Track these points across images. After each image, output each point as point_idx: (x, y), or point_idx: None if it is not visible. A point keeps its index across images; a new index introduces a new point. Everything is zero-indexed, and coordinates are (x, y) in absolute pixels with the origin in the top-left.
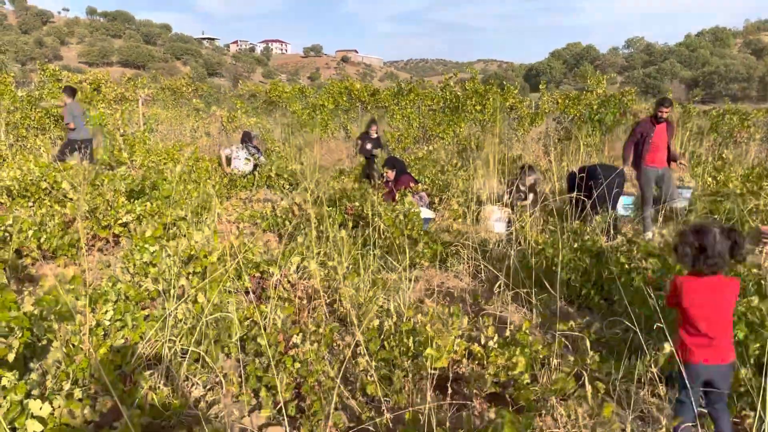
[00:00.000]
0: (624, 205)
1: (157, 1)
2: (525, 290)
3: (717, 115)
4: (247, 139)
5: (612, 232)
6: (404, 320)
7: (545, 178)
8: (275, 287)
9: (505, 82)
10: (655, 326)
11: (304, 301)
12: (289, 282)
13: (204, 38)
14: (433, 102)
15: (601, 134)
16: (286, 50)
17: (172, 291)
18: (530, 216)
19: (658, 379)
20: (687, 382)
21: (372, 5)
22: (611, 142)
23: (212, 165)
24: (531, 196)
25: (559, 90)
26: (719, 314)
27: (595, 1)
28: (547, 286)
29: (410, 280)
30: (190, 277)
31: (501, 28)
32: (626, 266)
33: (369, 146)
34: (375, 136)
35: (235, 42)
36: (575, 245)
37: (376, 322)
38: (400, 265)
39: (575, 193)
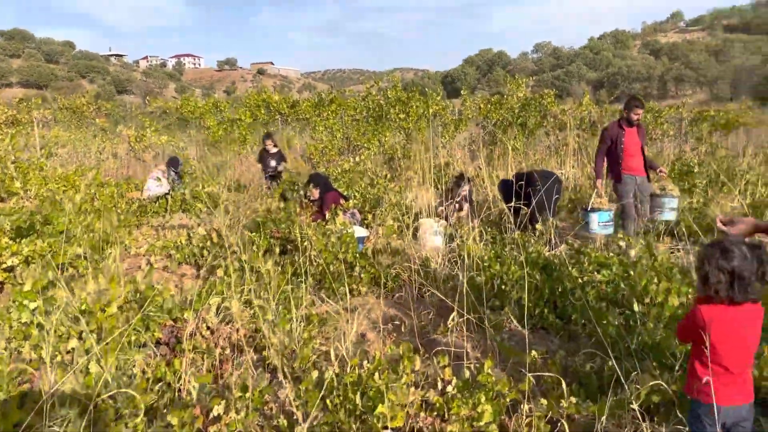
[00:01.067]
0: (600, 222)
1: (59, 18)
2: (476, 315)
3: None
4: (173, 164)
5: (554, 241)
6: (348, 370)
7: (478, 184)
8: (191, 336)
9: (427, 89)
10: (627, 348)
11: (227, 351)
12: (208, 328)
13: (111, 54)
14: (356, 112)
15: (524, 137)
16: (200, 64)
17: (59, 358)
18: (469, 228)
19: (641, 417)
20: (707, 427)
21: (286, 16)
22: (534, 146)
23: (119, 190)
24: (466, 206)
25: (473, 95)
26: (747, 348)
27: (503, 8)
28: (503, 307)
29: (349, 310)
30: (85, 335)
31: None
32: (579, 280)
33: (273, 163)
34: (274, 150)
35: (145, 58)
36: (521, 258)
37: (315, 374)
38: (337, 294)
39: (513, 201)
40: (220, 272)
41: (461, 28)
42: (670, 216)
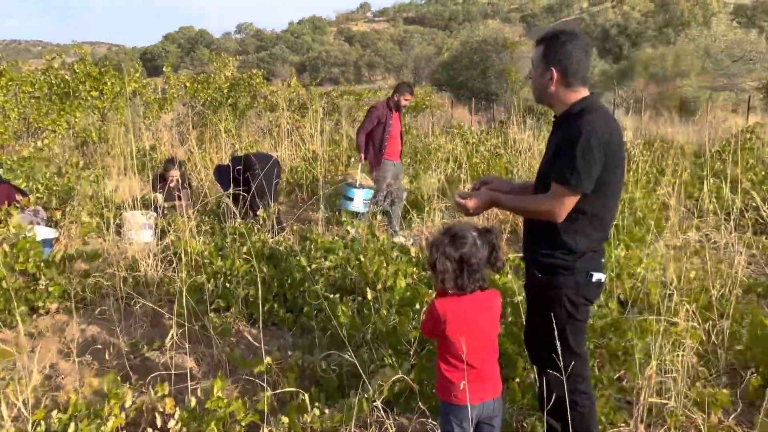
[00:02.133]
0: (365, 200)
1: None
2: (199, 323)
3: (336, 96)
4: None
5: (276, 228)
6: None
7: (190, 169)
8: None
9: (123, 65)
10: (362, 338)
11: None
12: None
13: None
14: (35, 88)
15: (235, 118)
16: None
17: None
18: (185, 220)
19: (384, 413)
20: (455, 427)
21: None
22: (247, 127)
23: None
24: (184, 193)
25: (177, 74)
26: (487, 340)
27: None
28: (229, 308)
29: (33, 337)
30: None
31: (109, 9)
32: (307, 269)
33: None
34: None
35: None
36: (244, 250)
37: None
38: (17, 317)
39: (232, 188)
40: None
41: (158, 3)
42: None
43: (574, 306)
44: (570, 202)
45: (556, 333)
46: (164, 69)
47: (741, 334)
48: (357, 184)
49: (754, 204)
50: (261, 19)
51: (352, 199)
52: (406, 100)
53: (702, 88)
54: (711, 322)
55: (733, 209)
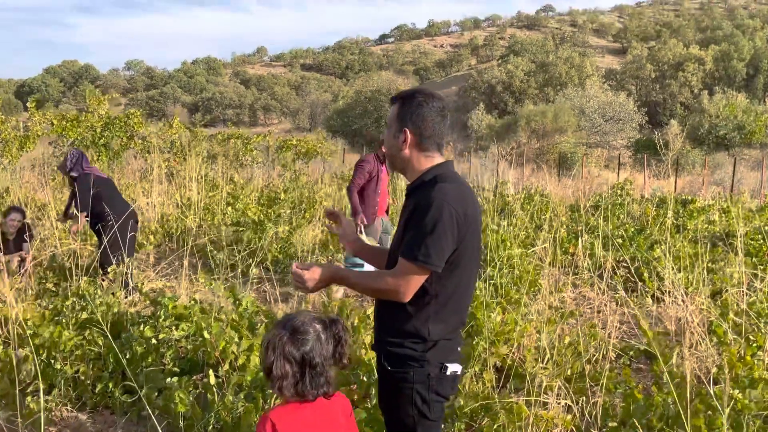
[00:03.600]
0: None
1: None
2: (5, 414)
3: (223, 139)
4: None
5: (129, 288)
6: None
7: (43, 216)
8: None
9: None
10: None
11: None
12: None
13: None
14: None
15: (108, 160)
16: None
17: None
18: (20, 276)
19: None
20: None
21: None
22: (120, 168)
23: None
24: (24, 247)
25: (57, 110)
26: None
27: (90, 21)
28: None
29: None
30: None
31: None
32: (153, 341)
33: None
34: None
35: None
36: (83, 316)
37: None
38: None
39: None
40: None
41: (38, 34)
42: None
43: (425, 403)
44: (417, 280)
45: None
46: (28, 104)
47: (615, 408)
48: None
49: (625, 263)
50: (152, 57)
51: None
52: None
53: (578, 144)
54: (584, 397)
55: (605, 267)
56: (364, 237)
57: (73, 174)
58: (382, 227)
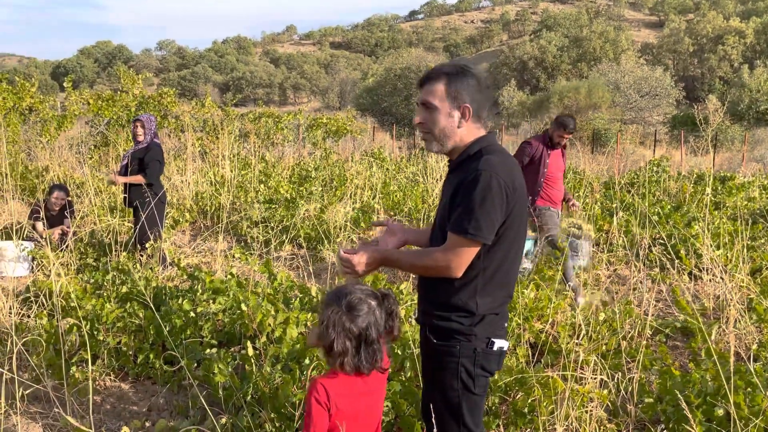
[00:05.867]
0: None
1: None
2: (52, 382)
3: (254, 118)
4: None
5: (166, 263)
6: None
7: (82, 193)
8: None
9: (17, 78)
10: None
11: None
12: None
13: None
14: None
15: None
16: None
17: None
18: (60, 251)
19: None
20: None
21: None
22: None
23: None
24: (65, 222)
25: (92, 90)
26: (375, 425)
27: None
28: (96, 360)
29: None
30: None
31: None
32: (191, 314)
33: None
34: None
35: None
36: (124, 290)
37: None
38: None
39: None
40: None
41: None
42: (584, 261)
43: (471, 378)
44: (469, 254)
45: (450, 408)
46: (65, 84)
47: (650, 384)
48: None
49: (661, 240)
50: (183, 37)
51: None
52: (559, 137)
53: (612, 121)
54: (620, 373)
55: (641, 245)
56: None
57: (147, 140)
58: (557, 218)
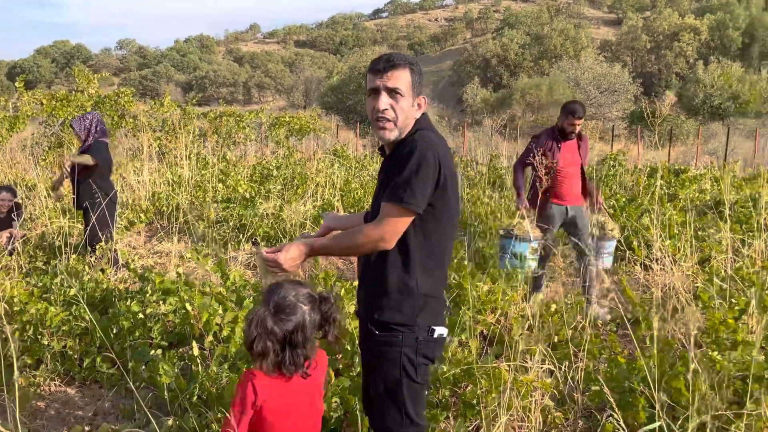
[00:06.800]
0: (531, 255)
1: None
2: None
3: (215, 117)
4: None
5: (118, 265)
6: None
7: (33, 196)
8: None
9: None
10: (189, 400)
11: None
12: None
13: None
14: None
15: None
16: None
17: None
18: (9, 255)
19: None
20: None
21: None
22: (113, 148)
23: None
24: (13, 225)
25: (48, 90)
26: (312, 422)
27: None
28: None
29: None
30: None
31: None
32: (140, 315)
33: None
34: None
35: None
36: (71, 292)
37: None
38: None
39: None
40: None
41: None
42: (607, 262)
43: (413, 366)
44: (402, 224)
45: (392, 398)
46: (16, 84)
47: (598, 373)
48: (516, 235)
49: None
50: (144, 36)
51: (516, 256)
52: (569, 125)
53: None
54: (567, 362)
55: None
56: (526, 224)
57: (91, 139)
58: (561, 215)
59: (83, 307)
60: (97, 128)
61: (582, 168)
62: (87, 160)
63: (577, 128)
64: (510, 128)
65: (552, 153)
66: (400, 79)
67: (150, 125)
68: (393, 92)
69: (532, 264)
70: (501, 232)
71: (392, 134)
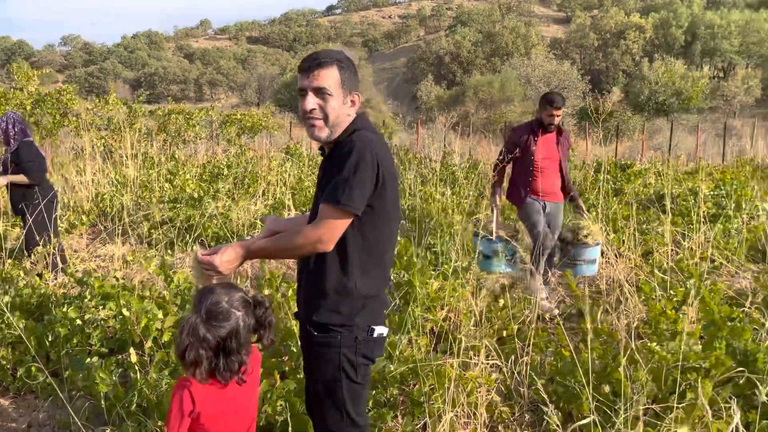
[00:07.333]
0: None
1: None
2: None
3: (163, 114)
4: None
5: (57, 269)
6: None
7: None
8: None
9: None
10: (126, 409)
11: None
12: None
13: None
14: None
15: (41, 138)
16: None
17: None
18: None
19: None
20: None
21: None
22: (55, 147)
23: None
24: None
25: None
26: (246, 426)
27: None
28: None
29: None
30: None
31: None
32: (78, 321)
33: None
34: None
35: None
36: (6, 299)
37: None
38: None
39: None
40: None
41: None
42: (591, 270)
43: (352, 367)
44: (340, 225)
45: (332, 399)
46: None
47: (543, 367)
48: (490, 236)
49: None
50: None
51: (489, 257)
52: (548, 115)
53: (524, 113)
54: (514, 356)
55: None
56: (494, 222)
57: (13, 142)
58: (543, 212)
59: (14, 314)
60: (16, 128)
61: (561, 164)
62: (21, 179)
63: (557, 119)
64: (463, 125)
65: (527, 146)
66: (327, 77)
67: (94, 124)
68: (320, 92)
69: (503, 265)
70: (479, 233)
71: (323, 132)
